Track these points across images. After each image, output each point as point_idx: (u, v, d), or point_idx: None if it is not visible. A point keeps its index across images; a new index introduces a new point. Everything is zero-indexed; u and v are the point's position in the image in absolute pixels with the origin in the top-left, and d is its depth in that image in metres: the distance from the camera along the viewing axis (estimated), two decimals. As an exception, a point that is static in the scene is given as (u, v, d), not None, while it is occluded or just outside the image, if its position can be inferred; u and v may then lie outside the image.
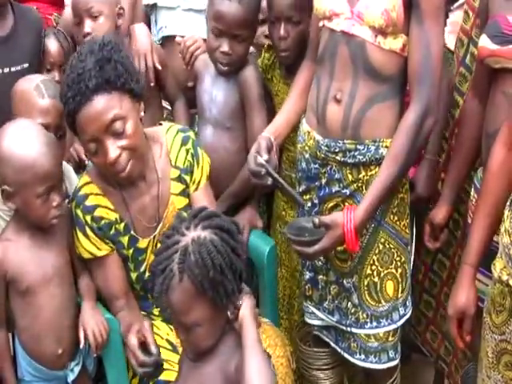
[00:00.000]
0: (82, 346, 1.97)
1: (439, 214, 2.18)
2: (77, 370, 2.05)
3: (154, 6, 2.81)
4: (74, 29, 2.44)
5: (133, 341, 1.83)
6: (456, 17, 2.47)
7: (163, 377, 1.98)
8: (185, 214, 1.71)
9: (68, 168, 2.28)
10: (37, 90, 2.03)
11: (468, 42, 2.22)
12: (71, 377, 2.04)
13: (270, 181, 1.92)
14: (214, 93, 2.43)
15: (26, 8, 2.53)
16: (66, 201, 2.07)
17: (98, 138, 1.85)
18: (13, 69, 2.37)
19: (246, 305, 1.62)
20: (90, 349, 2.00)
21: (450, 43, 2.45)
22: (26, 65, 2.39)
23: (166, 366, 2.00)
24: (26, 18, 2.46)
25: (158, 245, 2.05)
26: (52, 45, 2.51)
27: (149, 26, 2.82)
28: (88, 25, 2.35)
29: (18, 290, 1.93)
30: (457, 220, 2.33)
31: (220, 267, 1.51)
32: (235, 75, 2.37)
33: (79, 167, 2.40)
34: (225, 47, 2.28)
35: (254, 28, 2.33)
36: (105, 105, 1.82)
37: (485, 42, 1.87)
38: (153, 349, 1.72)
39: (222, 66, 2.32)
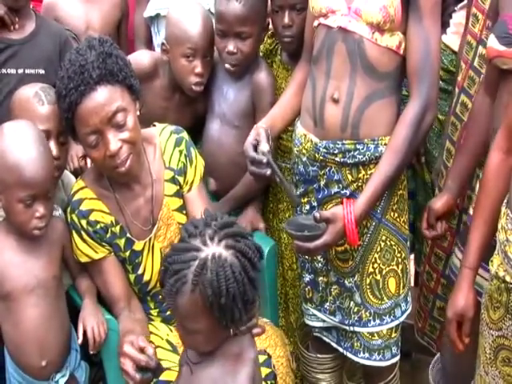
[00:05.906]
0: (80, 341, 1.94)
1: (438, 201, 2.13)
2: (62, 381, 2.00)
3: (155, 17, 2.78)
4: None
5: (128, 350, 1.76)
6: (460, 17, 2.44)
7: (163, 377, 1.97)
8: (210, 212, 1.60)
9: (69, 176, 2.25)
10: (36, 97, 2.02)
11: (477, 44, 2.18)
12: None
13: (269, 171, 1.89)
14: (225, 88, 2.43)
15: (49, 21, 2.58)
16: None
17: (99, 130, 1.84)
18: (27, 71, 2.39)
19: None
20: (79, 357, 1.99)
21: (454, 44, 2.44)
22: (41, 71, 2.41)
23: (166, 365, 1.98)
24: (48, 28, 2.49)
25: (155, 246, 2.06)
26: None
27: (150, 37, 2.84)
28: None
29: None
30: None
31: (233, 296, 1.46)
32: (249, 76, 2.37)
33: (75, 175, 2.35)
34: (230, 47, 2.27)
35: (258, 24, 2.29)
36: (108, 96, 1.83)
37: (493, 42, 1.84)
38: (151, 363, 1.72)
39: (231, 66, 2.32)
